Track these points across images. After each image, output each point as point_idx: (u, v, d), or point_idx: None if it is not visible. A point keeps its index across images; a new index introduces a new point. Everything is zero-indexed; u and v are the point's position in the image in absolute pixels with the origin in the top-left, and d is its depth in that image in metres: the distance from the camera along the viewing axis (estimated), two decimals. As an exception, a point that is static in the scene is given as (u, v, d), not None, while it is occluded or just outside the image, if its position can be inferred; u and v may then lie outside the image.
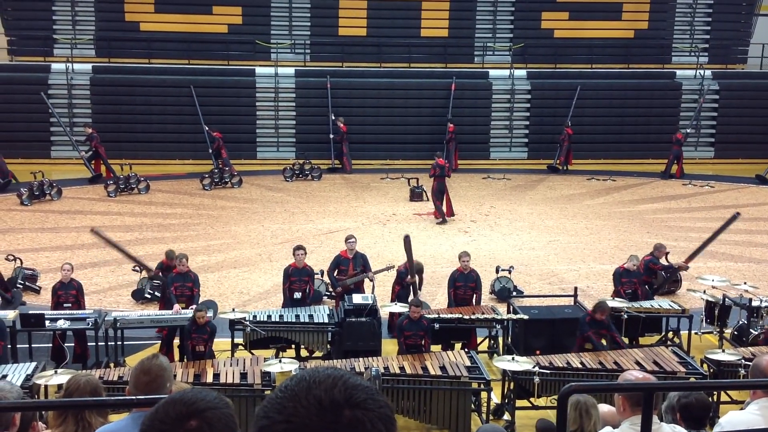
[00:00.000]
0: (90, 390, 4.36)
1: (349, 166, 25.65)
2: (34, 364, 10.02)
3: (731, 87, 29.04)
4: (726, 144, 27.82)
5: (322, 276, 14.19)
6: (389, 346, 11.69)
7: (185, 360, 11.18)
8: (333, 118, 25.85)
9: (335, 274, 13.43)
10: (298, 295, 12.76)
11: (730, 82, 29.23)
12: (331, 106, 26.85)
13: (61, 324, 11.36)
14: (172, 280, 12.48)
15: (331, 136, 25.80)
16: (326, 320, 11.85)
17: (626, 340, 12.23)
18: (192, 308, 11.85)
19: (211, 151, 24.49)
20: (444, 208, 19.96)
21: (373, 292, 12.96)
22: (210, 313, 11.63)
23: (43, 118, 26.21)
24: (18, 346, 11.22)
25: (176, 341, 11.96)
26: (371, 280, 13.44)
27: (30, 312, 12.01)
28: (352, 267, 13.38)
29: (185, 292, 12.33)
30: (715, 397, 9.52)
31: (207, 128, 24.88)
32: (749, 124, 28.47)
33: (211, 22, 27.91)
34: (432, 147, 25.73)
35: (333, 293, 13.71)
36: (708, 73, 28.88)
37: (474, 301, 12.94)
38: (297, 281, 12.81)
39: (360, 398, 1.62)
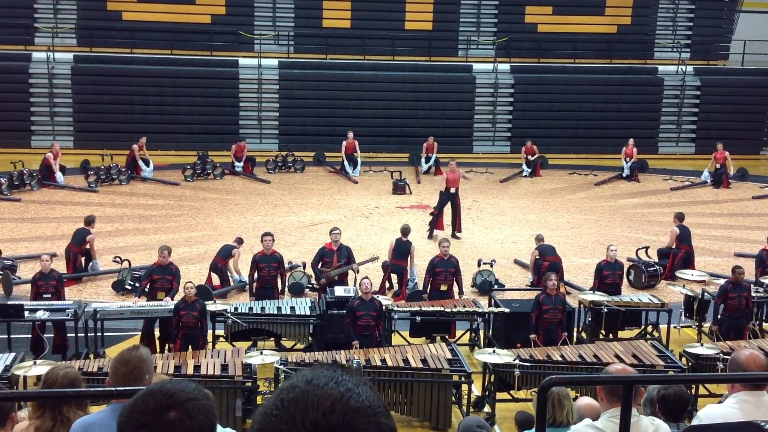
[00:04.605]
0: (68, 383, 4.31)
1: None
2: (12, 354, 9.94)
3: (713, 83, 29.21)
4: (707, 140, 27.96)
5: (304, 268, 14.17)
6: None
7: (170, 340, 11.12)
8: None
9: (319, 266, 13.42)
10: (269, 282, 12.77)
11: (711, 78, 29.39)
12: (315, 98, 26.79)
13: (41, 315, 11.28)
14: (151, 272, 12.38)
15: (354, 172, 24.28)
16: (308, 312, 11.83)
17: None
18: (167, 299, 11.82)
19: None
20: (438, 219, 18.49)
21: (355, 285, 12.93)
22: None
23: (24, 108, 25.97)
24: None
25: (157, 333, 11.89)
26: (356, 272, 13.43)
27: (9, 302, 11.92)
28: (336, 259, 13.37)
29: (165, 285, 12.21)
30: (693, 391, 9.59)
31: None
32: (730, 120, 28.69)
33: (195, 12, 27.72)
34: (415, 140, 25.77)
35: (316, 285, 13.69)
36: (690, 69, 29.05)
37: (456, 286, 12.97)
38: (266, 267, 12.83)
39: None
